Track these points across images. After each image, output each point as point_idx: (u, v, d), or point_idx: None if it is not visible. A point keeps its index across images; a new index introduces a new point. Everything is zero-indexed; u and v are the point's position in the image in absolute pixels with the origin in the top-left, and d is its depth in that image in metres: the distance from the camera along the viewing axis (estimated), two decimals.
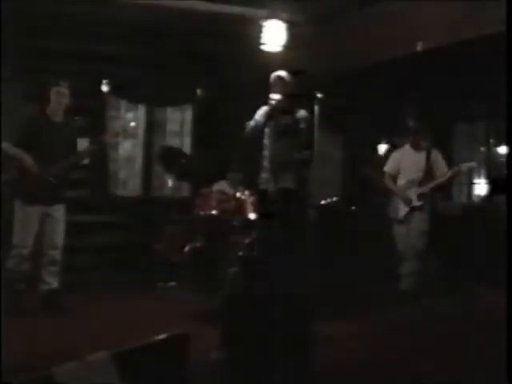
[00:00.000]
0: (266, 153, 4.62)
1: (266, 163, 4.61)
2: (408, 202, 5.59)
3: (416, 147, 5.70)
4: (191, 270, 5.46)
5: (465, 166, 5.68)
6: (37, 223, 4.69)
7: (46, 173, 4.65)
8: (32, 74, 6.06)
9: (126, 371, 2.26)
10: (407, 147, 5.79)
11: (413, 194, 5.59)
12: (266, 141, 4.62)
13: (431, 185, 5.57)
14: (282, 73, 4.64)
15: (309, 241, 4.41)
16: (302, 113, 4.60)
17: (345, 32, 6.25)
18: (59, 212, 4.81)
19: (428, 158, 5.63)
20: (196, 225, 5.64)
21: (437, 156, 5.66)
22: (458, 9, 5.14)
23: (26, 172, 4.60)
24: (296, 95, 4.64)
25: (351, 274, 6.00)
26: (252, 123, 4.53)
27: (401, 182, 5.74)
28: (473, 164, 5.87)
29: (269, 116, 4.52)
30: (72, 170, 4.92)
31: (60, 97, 4.78)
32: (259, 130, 4.55)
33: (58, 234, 4.80)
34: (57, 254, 4.80)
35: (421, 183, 5.59)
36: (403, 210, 5.61)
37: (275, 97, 4.51)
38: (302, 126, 4.56)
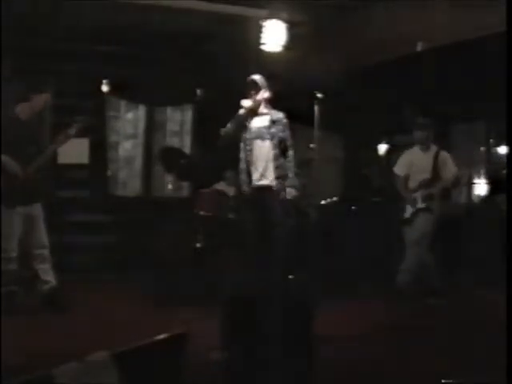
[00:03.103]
0: (242, 155, 4.78)
1: (242, 165, 4.78)
2: (413, 203, 5.58)
3: (423, 148, 5.66)
4: (191, 270, 5.46)
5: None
6: (20, 224, 4.67)
7: (26, 173, 4.60)
8: (32, 74, 6.06)
9: (126, 371, 2.26)
10: (416, 148, 5.76)
11: (418, 195, 5.58)
12: (243, 144, 4.77)
13: (438, 187, 5.53)
14: (256, 76, 4.74)
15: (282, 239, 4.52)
16: (278, 115, 4.75)
17: (345, 32, 6.25)
18: (38, 210, 4.78)
19: (436, 159, 5.58)
20: (196, 225, 5.64)
21: (446, 157, 5.61)
22: (457, 9, 5.14)
23: (8, 175, 4.54)
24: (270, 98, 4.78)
25: (351, 274, 6.00)
26: (228, 129, 4.67)
27: (411, 183, 5.69)
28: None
29: (242, 122, 4.64)
30: (45, 167, 4.81)
31: (42, 101, 4.79)
32: (234, 135, 4.70)
33: (42, 233, 4.78)
34: (46, 252, 4.78)
35: (428, 185, 5.55)
36: (408, 212, 5.60)
37: (246, 103, 4.70)
38: (278, 128, 4.68)
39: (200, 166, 6.32)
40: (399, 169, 5.80)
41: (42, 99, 4.80)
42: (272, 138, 4.71)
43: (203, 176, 6.17)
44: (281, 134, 4.71)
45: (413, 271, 5.48)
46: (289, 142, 4.73)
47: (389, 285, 5.55)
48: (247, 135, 4.74)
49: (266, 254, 4.54)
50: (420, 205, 5.54)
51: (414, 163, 5.70)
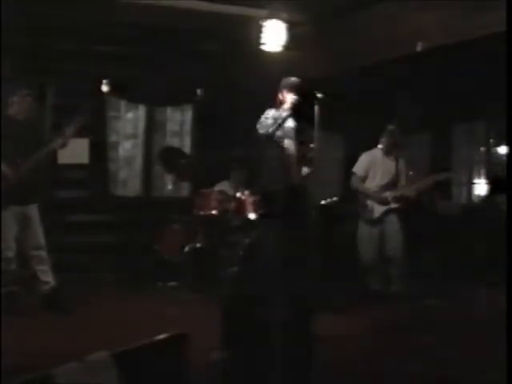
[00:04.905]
0: (273, 154, 4.62)
1: (276, 163, 4.61)
2: (385, 203, 5.60)
3: (386, 152, 5.73)
4: (191, 270, 5.46)
5: (442, 176, 5.73)
6: (15, 224, 4.66)
7: (17, 173, 4.60)
8: (32, 73, 6.06)
9: (126, 371, 2.26)
10: (377, 151, 5.80)
11: (389, 196, 5.61)
12: (274, 143, 4.63)
13: (400, 191, 5.61)
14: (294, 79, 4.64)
15: (310, 240, 4.43)
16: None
17: (345, 32, 6.25)
18: (34, 211, 4.78)
19: (396, 165, 5.72)
20: (196, 225, 5.64)
21: (403, 166, 5.76)
22: (457, 9, 5.14)
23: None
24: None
25: (350, 274, 6.00)
26: (270, 122, 4.49)
27: (370, 184, 5.74)
28: (450, 174, 5.92)
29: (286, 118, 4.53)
30: (41, 167, 4.82)
31: (24, 103, 4.78)
32: (276, 129, 4.53)
33: (38, 234, 4.78)
34: (43, 253, 4.78)
35: (393, 186, 5.63)
36: (377, 211, 5.60)
37: (293, 99, 4.51)
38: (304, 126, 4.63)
39: (200, 166, 6.31)
40: (358, 168, 5.81)
41: (33, 100, 4.80)
42: (296, 137, 4.64)
43: (203, 176, 6.17)
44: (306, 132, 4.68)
45: (400, 277, 5.51)
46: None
47: (388, 285, 5.55)
48: (278, 134, 4.47)
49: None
50: (392, 205, 5.58)
51: (375, 165, 5.75)
